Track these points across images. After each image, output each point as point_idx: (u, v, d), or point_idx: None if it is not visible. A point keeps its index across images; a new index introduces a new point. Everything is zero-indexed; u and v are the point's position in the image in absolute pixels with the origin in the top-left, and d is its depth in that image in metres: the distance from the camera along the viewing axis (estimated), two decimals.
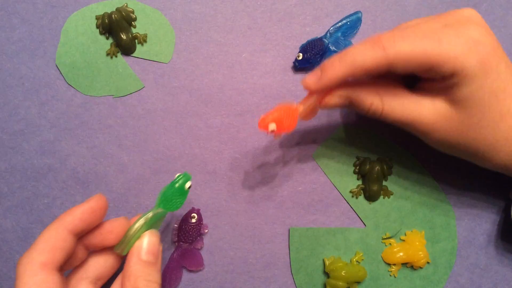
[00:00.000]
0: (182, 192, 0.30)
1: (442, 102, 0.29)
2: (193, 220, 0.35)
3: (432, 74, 0.28)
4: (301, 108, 0.31)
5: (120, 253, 0.29)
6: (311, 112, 0.32)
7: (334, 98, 0.31)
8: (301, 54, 0.37)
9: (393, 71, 0.28)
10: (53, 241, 0.26)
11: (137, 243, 0.28)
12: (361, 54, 0.28)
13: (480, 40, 0.27)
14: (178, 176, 0.30)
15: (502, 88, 0.28)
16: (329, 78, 0.29)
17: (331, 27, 0.38)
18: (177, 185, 0.29)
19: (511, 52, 0.39)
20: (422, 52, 0.27)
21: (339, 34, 0.38)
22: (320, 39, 0.38)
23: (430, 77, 0.29)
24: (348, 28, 0.38)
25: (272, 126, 0.29)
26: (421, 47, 0.27)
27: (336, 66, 0.29)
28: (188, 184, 0.30)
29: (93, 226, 0.28)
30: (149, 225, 0.29)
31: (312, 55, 0.37)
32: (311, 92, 0.31)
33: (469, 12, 0.29)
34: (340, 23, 0.38)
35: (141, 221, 0.28)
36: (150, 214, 0.29)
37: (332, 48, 0.38)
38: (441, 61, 0.27)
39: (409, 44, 0.27)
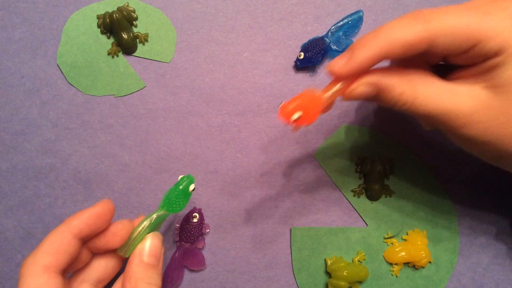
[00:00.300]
0: (186, 194, 0.30)
1: (482, 89, 0.26)
2: (195, 220, 0.35)
3: (475, 53, 0.25)
4: (325, 97, 0.27)
5: (123, 255, 0.29)
6: (331, 104, 0.28)
7: (361, 87, 0.27)
8: (302, 53, 0.37)
9: (434, 50, 0.25)
10: (58, 244, 0.26)
11: (139, 245, 0.28)
12: (399, 29, 0.25)
13: None
14: (182, 179, 0.30)
15: None
16: (361, 60, 0.25)
17: (332, 26, 0.38)
18: (181, 187, 0.29)
19: None
20: (466, 26, 0.24)
21: (341, 33, 0.38)
22: (322, 38, 0.38)
23: (471, 58, 0.26)
24: (350, 27, 0.38)
25: (297, 115, 0.26)
26: (466, 21, 0.24)
27: (369, 44, 0.25)
28: (192, 187, 0.30)
29: (99, 231, 0.28)
30: (152, 227, 0.29)
31: (313, 54, 0.37)
32: (337, 79, 0.27)
33: None
34: (341, 22, 0.38)
35: (145, 223, 0.28)
36: (154, 216, 0.29)
37: (334, 47, 0.38)
38: (487, 36, 0.24)
39: (453, 18, 0.25)
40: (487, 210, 0.37)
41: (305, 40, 0.38)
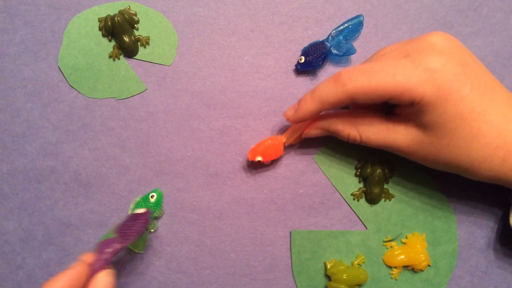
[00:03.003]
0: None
1: (413, 127, 0.31)
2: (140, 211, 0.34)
3: (396, 102, 0.30)
4: (285, 140, 0.36)
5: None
6: (296, 140, 0.36)
7: (314, 131, 0.35)
8: (303, 57, 0.37)
9: (356, 102, 0.31)
10: None
11: (92, 282, 0.29)
12: (326, 91, 0.31)
13: (437, 69, 0.29)
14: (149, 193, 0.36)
15: (469, 111, 0.29)
16: (303, 112, 0.33)
17: (333, 30, 0.38)
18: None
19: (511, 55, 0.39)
20: (377, 86, 0.29)
21: (341, 37, 0.38)
22: (322, 42, 0.38)
23: (397, 103, 0.30)
24: (350, 32, 0.38)
25: (259, 158, 0.35)
26: (376, 81, 0.29)
27: (308, 102, 0.32)
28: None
29: None
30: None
31: (314, 58, 0.37)
32: (293, 125, 0.36)
33: (435, 38, 0.30)
34: (342, 27, 0.38)
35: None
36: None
37: (334, 51, 0.38)
38: (398, 92, 0.29)
39: (366, 79, 0.30)
40: (485, 214, 0.37)
41: (305, 44, 0.39)
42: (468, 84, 0.29)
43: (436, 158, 0.31)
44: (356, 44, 0.39)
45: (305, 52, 0.38)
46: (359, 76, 0.30)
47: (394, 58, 0.31)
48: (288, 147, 0.38)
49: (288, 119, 0.34)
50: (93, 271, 0.29)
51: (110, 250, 0.30)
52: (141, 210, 0.33)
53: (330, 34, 0.38)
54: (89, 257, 0.30)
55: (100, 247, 0.30)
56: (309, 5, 0.39)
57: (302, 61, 0.37)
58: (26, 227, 0.37)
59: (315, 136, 0.36)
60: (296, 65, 0.38)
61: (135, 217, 0.33)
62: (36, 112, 0.38)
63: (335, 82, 0.31)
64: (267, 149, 0.36)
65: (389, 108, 0.34)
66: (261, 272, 0.36)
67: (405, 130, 0.31)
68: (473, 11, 0.39)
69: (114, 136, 0.38)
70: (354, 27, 0.38)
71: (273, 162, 0.37)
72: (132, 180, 0.37)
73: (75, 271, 0.29)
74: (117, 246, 0.30)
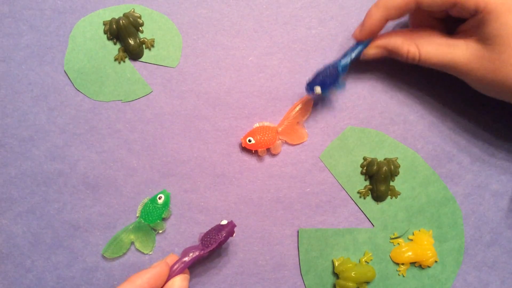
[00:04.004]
0: (160, 208, 0.36)
1: (474, 42, 0.31)
2: (223, 222, 0.34)
3: (459, 10, 0.30)
4: (279, 128, 0.37)
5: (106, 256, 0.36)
6: (305, 111, 0.37)
7: (373, 50, 0.35)
8: (319, 88, 0.35)
9: (421, 7, 0.31)
10: None
11: (169, 284, 0.31)
12: None
13: None
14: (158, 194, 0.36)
15: None
16: (370, 26, 0.33)
17: (343, 57, 0.35)
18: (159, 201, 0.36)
19: None
20: None
21: (349, 60, 0.35)
22: (335, 67, 0.35)
23: (460, 14, 0.30)
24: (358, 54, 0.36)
25: (250, 139, 0.36)
26: None
27: (373, 12, 0.33)
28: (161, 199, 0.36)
29: None
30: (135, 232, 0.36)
31: (327, 86, 0.35)
32: (292, 108, 0.37)
33: None
34: (351, 52, 0.35)
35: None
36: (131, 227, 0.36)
37: (342, 77, 0.36)
38: None
39: None
40: (491, 210, 0.37)
41: (309, 43, 0.39)
42: None
43: (494, 77, 0.31)
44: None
45: (322, 82, 0.34)
46: None
47: None
48: (295, 148, 0.38)
49: (356, 37, 0.34)
50: (172, 273, 0.32)
51: (191, 255, 0.33)
52: (225, 222, 0.34)
53: (341, 59, 0.35)
54: (171, 259, 0.33)
55: (183, 252, 0.33)
56: (312, 5, 0.40)
57: (319, 91, 0.34)
58: (34, 231, 0.37)
59: (373, 57, 0.35)
60: (307, 88, 0.35)
61: (219, 228, 0.34)
62: (42, 116, 0.38)
63: None
64: (258, 131, 0.36)
65: (450, 28, 0.34)
66: (269, 271, 0.37)
67: (465, 45, 0.31)
68: None
69: (120, 138, 0.38)
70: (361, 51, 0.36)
71: (275, 161, 0.38)
72: (139, 181, 0.37)
73: (157, 270, 0.31)
74: (198, 253, 0.33)
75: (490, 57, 0.30)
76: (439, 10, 0.32)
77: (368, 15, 0.33)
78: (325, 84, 0.35)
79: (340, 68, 0.35)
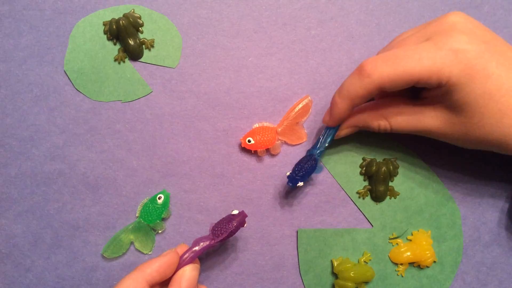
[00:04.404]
0: (160, 208, 0.36)
1: (442, 108, 0.31)
2: (234, 212, 0.34)
3: (423, 86, 0.30)
4: (279, 129, 0.38)
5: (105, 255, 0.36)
6: (291, 131, 0.38)
7: (344, 131, 0.35)
8: (302, 183, 0.35)
9: (384, 91, 0.31)
10: None
11: (179, 273, 0.31)
12: (352, 86, 0.31)
13: (461, 49, 0.29)
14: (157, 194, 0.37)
15: (496, 88, 0.29)
16: (338, 114, 0.33)
17: (317, 145, 0.36)
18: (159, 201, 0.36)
19: None
20: (403, 72, 0.29)
21: (324, 147, 0.36)
22: (313, 158, 0.35)
23: (424, 87, 0.31)
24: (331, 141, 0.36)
25: (249, 139, 0.36)
26: (402, 67, 0.29)
27: (337, 102, 0.33)
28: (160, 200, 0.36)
29: (165, 279, 0.31)
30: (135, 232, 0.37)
31: (308, 174, 0.35)
32: (290, 110, 0.37)
33: (454, 18, 0.30)
34: (326, 138, 0.36)
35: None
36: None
37: (320, 163, 0.37)
38: (425, 76, 0.29)
39: (390, 67, 0.30)
40: (490, 210, 0.37)
41: (309, 44, 0.39)
42: (494, 61, 0.29)
43: (467, 137, 0.31)
44: (358, 43, 0.39)
45: (302, 177, 0.35)
46: (383, 65, 0.30)
47: (416, 42, 0.31)
48: (295, 148, 0.38)
49: (326, 124, 0.35)
50: (182, 262, 0.32)
51: (201, 245, 0.32)
52: (236, 211, 0.33)
53: (317, 147, 0.36)
54: (182, 249, 0.33)
55: (194, 242, 0.33)
56: (312, 6, 0.40)
57: (301, 185, 0.35)
58: (34, 230, 0.37)
59: (347, 135, 0.36)
60: (288, 180, 0.35)
61: (230, 217, 0.33)
62: (42, 116, 0.38)
63: (360, 75, 0.31)
64: (258, 132, 0.37)
65: (416, 92, 0.33)
66: (269, 271, 0.37)
67: (434, 113, 0.32)
68: (474, 9, 0.40)
69: (120, 138, 0.38)
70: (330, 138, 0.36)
71: (274, 162, 0.38)
72: (139, 182, 0.37)
73: (167, 258, 0.31)
74: (208, 243, 0.33)
75: (461, 121, 0.30)
76: (401, 89, 0.31)
77: (333, 104, 0.33)
78: (305, 174, 0.35)
79: (317, 157, 0.35)
